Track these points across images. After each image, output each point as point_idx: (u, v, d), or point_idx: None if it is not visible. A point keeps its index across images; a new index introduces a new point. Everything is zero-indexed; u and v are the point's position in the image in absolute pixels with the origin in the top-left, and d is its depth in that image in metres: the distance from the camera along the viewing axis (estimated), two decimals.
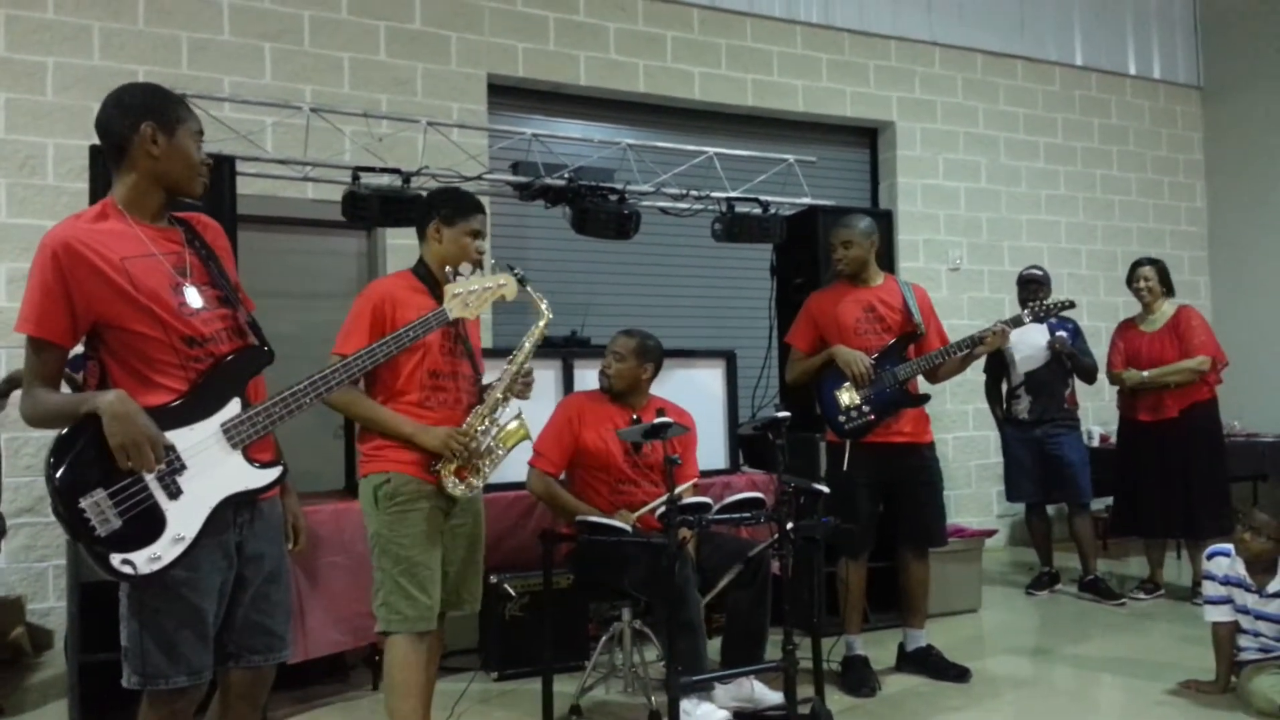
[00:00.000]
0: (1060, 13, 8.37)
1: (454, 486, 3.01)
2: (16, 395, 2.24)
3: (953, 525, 5.87)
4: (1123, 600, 5.59)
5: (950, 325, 7.13)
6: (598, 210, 5.01)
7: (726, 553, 3.84)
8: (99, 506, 2.04)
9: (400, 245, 5.39)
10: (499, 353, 3.81)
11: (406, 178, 4.57)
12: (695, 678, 3.38)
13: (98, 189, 3.76)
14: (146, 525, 2.08)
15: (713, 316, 6.94)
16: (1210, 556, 3.97)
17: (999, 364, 5.90)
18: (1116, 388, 5.78)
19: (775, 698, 3.72)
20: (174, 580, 2.13)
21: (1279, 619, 3.75)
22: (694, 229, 5.79)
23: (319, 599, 3.98)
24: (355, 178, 4.50)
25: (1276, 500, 4.21)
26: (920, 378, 4.22)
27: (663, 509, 3.29)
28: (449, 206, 3.20)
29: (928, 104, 7.76)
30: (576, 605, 4.30)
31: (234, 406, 2.23)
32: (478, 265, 3.16)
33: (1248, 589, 3.81)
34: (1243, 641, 3.87)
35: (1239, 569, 3.84)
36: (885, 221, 5.55)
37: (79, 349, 2.23)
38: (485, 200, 5.86)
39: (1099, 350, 5.99)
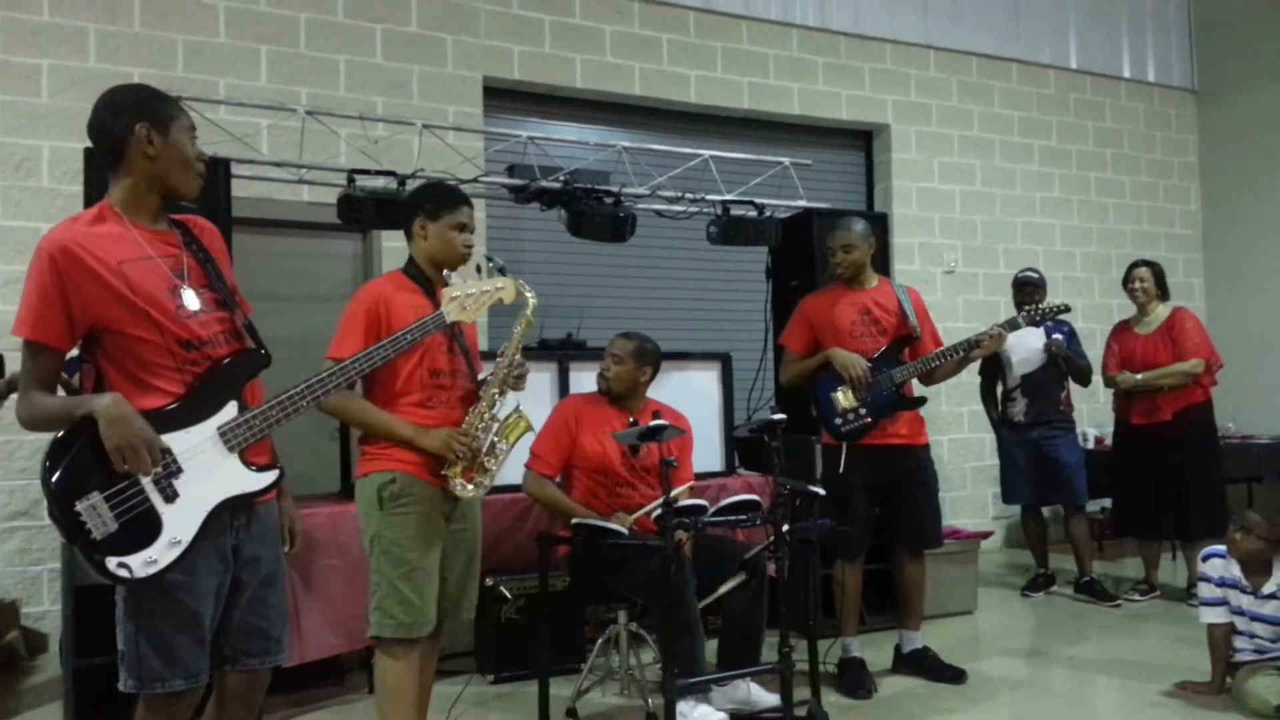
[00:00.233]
0: (1055, 16, 8.39)
1: (462, 489, 2.95)
2: (13, 399, 2.24)
3: (948, 527, 5.87)
4: (1118, 602, 5.60)
5: (945, 328, 7.15)
6: (593, 213, 5.02)
7: (723, 555, 3.84)
8: (95, 510, 2.04)
9: (396, 248, 5.38)
10: (496, 355, 3.79)
11: (402, 180, 4.57)
12: (691, 680, 3.38)
13: (93, 191, 3.76)
14: (142, 529, 2.08)
15: (708, 319, 6.94)
16: (1205, 558, 3.98)
17: (995, 366, 5.91)
18: (1112, 390, 5.80)
19: (771, 700, 3.72)
20: (170, 584, 2.12)
21: (1274, 620, 3.77)
22: (689, 231, 5.80)
23: (315, 602, 3.97)
24: (351, 180, 4.50)
25: (1271, 501, 4.23)
26: (915, 380, 4.22)
27: (659, 511, 3.28)
28: (432, 201, 3.13)
29: (923, 107, 7.78)
30: (573, 608, 4.30)
31: (231, 410, 2.23)
32: (466, 259, 3.10)
33: (1243, 590, 3.82)
34: (1238, 643, 3.87)
35: (1234, 570, 3.85)
36: (880, 224, 5.56)
37: (74, 352, 2.23)
38: (481, 203, 5.87)
39: (1093, 353, 6.01)
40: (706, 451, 4.94)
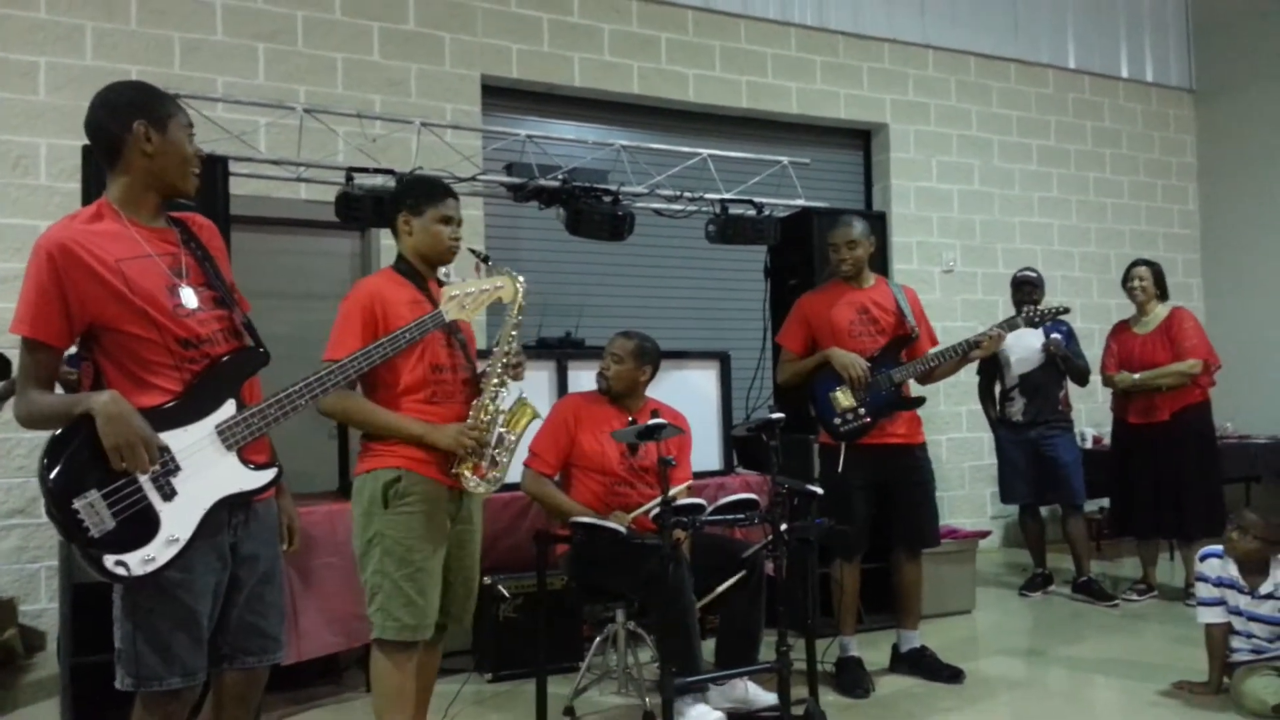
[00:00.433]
0: (1053, 15, 8.39)
1: (475, 485, 2.90)
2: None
3: (947, 526, 5.88)
4: (1116, 601, 5.60)
5: (944, 327, 7.19)
6: (592, 211, 5.01)
7: (721, 554, 3.84)
8: (93, 508, 2.03)
9: (394, 246, 5.35)
10: (492, 347, 3.79)
11: (400, 179, 4.56)
12: (689, 679, 3.38)
13: (91, 189, 3.75)
14: (140, 527, 2.07)
15: (707, 318, 6.94)
16: (1203, 558, 3.98)
17: (993, 366, 5.91)
18: (1110, 390, 5.80)
19: (769, 699, 3.72)
20: (168, 582, 2.12)
21: (1271, 620, 3.77)
22: (688, 230, 5.79)
23: (313, 600, 3.97)
24: (349, 178, 4.49)
25: (1269, 501, 4.23)
26: (911, 379, 4.23)
27: (657, 510, 3.28)
28: (414, 195, 3.08)
29: (921, 106, 7.78)
30: (571, 606, 4.29)
31: (229, 408, 2.22)
32: (454, 253, 3.08)
33: (1240, 590, 3.82)
34: (1235, 643, 3.87)
35: (1231, 570, 3.85)
36: (879, 224, 5.56)
37: (73, 349, 2.23)
38: (479, 201, 5.89)
39: (1092, 352, 6.01)
40: (705, 450, 4.95)
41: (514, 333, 3.01)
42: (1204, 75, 9.01)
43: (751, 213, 5.40)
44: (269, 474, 2.29)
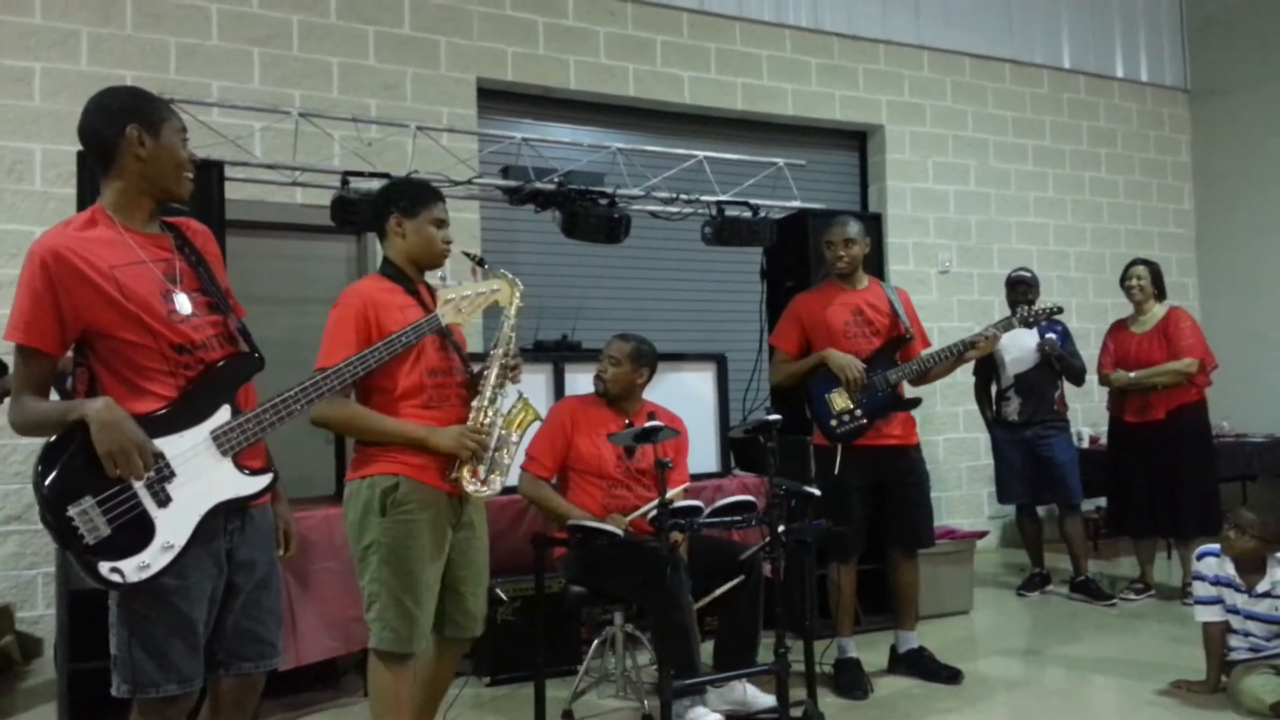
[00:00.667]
0: (1048, 16, 8.41)
1: (477, 489, 2.86)
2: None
3: (944, 527, 5.90)
4: (1113, 601, 5.60)
5: (940, 328, 7.24)
6: (588, 214, 5.01)
7: (719, 556, 3.84)
8: (87, 514, 2.03)
9: None
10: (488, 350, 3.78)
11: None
12: (688, 681, 3.37)
13: (86, 195, 3.74)
14: (135, 533, 2.07)
15: (703, 320, 6.94)
16: (1200, 557, 3.99)
17: (989, 366, 5.92)
18: (1107, 388, 5.81)
19: (768, 700, 3.73)
20: (163, 588, 2.11)
21: (1268, 619, 3.77)
22: (684, 232, 5.79)
23: (310, 605, 3.97)
24: (344, 182, 4.49)
25: (1265, 500, 4.23)
26: (905, 380, 4.23)
27: (655, 513, 3.28)
28: (406, 197, 3.01)
29: (916, 107, 7.78)
30: (569, 609, 4.29)
31: (224, 413, 2.22)
32: (446, 256, 3.04)
33: (1237, 589, 3.83)
34: (1233, 641, 3.88)
35: (1228, 569, 3.86)
36: (875, 225, 5.58)
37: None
38: (475, 205, 5.89)
39: (1088, 352, 6.01)
40: (702, 452, 4.95)
41: (511, 335, 3.00)
42: (1199, 75, 9.03)
43: (747, 214, 5.41)
44: (264, 479, 2.28)
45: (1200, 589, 3.95)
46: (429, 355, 2.91)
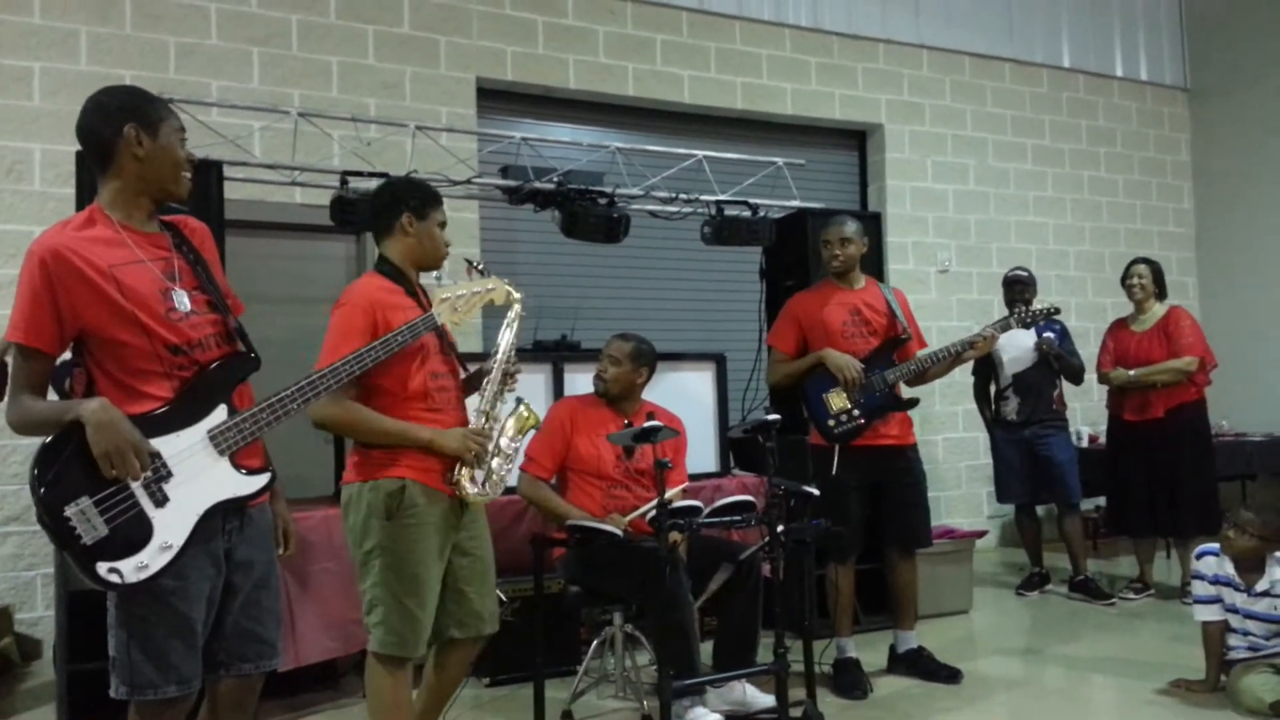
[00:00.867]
0: (1047, 15, 8.40)
1: (478, 492, 2.88)
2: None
3: (943, 526, 5.90)
4: (1113, 600, 5.60)
5: (940, 327, 7.24)
6: (587, 214, 5.01)
7: (718, 557, 3.84)
8: (85, 515, 2.02)
9: None
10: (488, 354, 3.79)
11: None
12: (687, 681, 3.37)
13: (85, 195, 3.74)
14: (133, 533, 2.06)
15: (702, 319, 6.94)
16: (1199, 556, 3.98)
17: (987, 366, 5.92)
18: (1106, 387, 5.81)
19: (767, 701, 3.72)
20: (162, 589, 2.11)
21: (1268, 618, 3.77)
22: (683, 232, 5.79)
23: (310, 605, 3.97)
24: (344, 182, 4.49)
25: (1265, 499, 4.23)
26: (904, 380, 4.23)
27: (654, 513, 3.28)
28: (417, 197, 2.98)
29: (916, 106, 7.78)
30: (568, 610, 4.29)
31: (220, 413, 2.21)
32: (445, 258, 3.04)
33: (1236, 588, 3.83)
34: (1232, 640, 3.88)
35: (1228, 568, 3.86)
36: (874, 224, 5.58)
37: (67, 354, 2.22)
38: (474, 204, 5.89)
39: (1087, 351, 6.01)
40: (701, 452, 4.95)
41: (514, 342, 3.01)
42: (1198, 73, 9.03)
43: (747, 214, 5.41)
44: (262, 479, 2.28)
45: (1199, 588, 3.95)
46: (432, 357, 2.91)
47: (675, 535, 3.55)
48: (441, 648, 2.99)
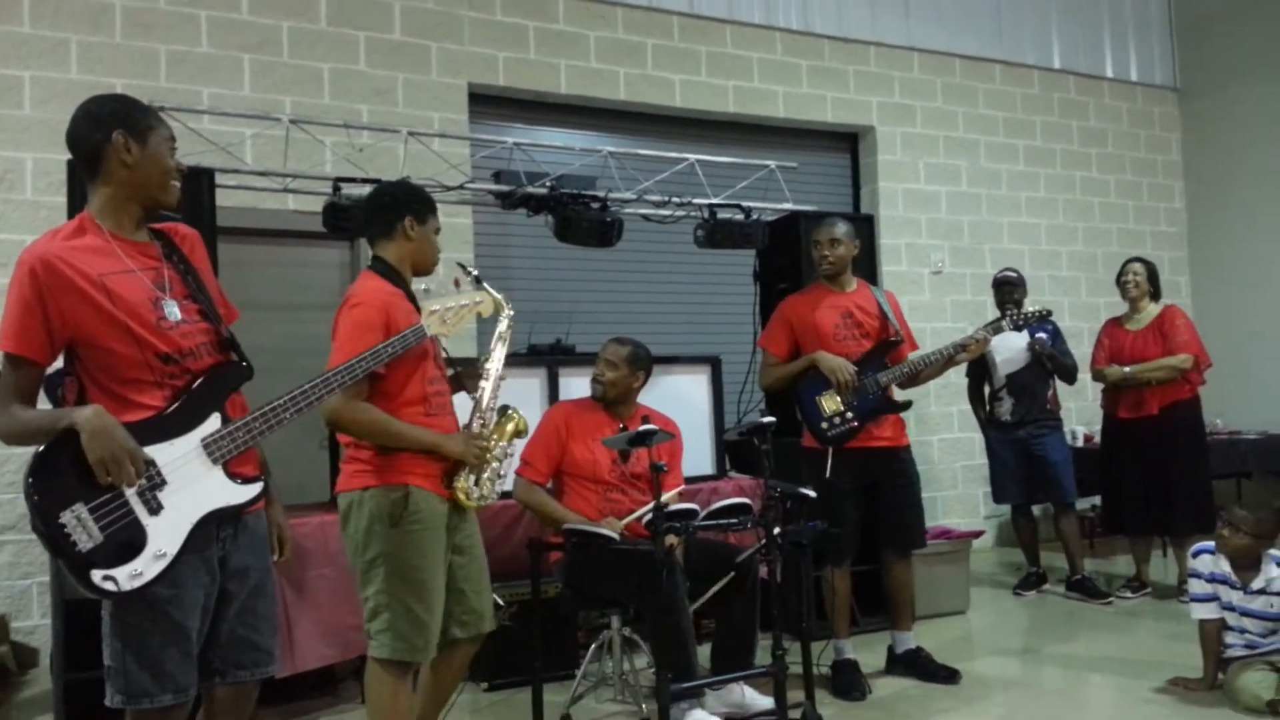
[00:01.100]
0: (1037, 16, 8.43)
1: (477, 498, 2.90)
2: None
3: (940, 527, 5.91)
4: (1110, 599, 5.61)
5: (933, 328, 7.25)
6: (580, 218, 5.01)
7: (715, 559, 3.84)
8: (80, 521, 2.02)
9: None
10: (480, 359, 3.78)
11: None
12: (685, 684, 3.37)
13: (76, 203, 3.74)
14: (128, 541, 2.06)
15: (697, 322, 6.94)
16: (1196, 554, 3.99)
17: (981, 367, 5.93)
18: (1100, 386, 5.83)
19: (765, 703, 3.72)
20: (156, 597, 2.11)
21: (1264, 615, 3.78)
22: (677, 235, 5.80)
23: (307, 612, 3.96)
24: (336, 189, 4.49)
25: (1260, 497, 4.24)
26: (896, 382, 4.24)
27: (650, 516, 3.28)
28: (419, 202, 3.01)
29: (907, 108, 7.80)
30: (565, 614, 4.28)
31: (214, 421, 2.21)
32: (437, 264, 3.06)
33: (1233, 586, 3.83)
34: (1229, 638, 3.88)
35: (1224, 566, 3.86)
36: (867, 226, 5.59)
37: (58, 364, 2.22)
38: (467, 209, 5.89)
39: (1080, 351, 6.02)
40: (697, 455, 4.94)
41: (505, 353, 3.03)
42: (1188, 73, 9.06)
43: (739, 217, 5.41)
44: (255, 488, 2.28)
45: (1196, 586, 3.95)
46: (429, 364, 2.93)
47: (672, 538, 3.54)
48: (443, 649, 2.98)
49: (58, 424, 2.06)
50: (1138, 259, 5.77)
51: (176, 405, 2.18)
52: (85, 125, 2.20)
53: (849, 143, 7.87)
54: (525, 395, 4.65)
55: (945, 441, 7.68)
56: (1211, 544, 3.94)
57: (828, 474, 4.07)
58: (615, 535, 3.64)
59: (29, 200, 5.18)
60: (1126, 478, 5.60)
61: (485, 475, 2.96)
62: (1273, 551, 3.82)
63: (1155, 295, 5.71)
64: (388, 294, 2.88)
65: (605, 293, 6.66)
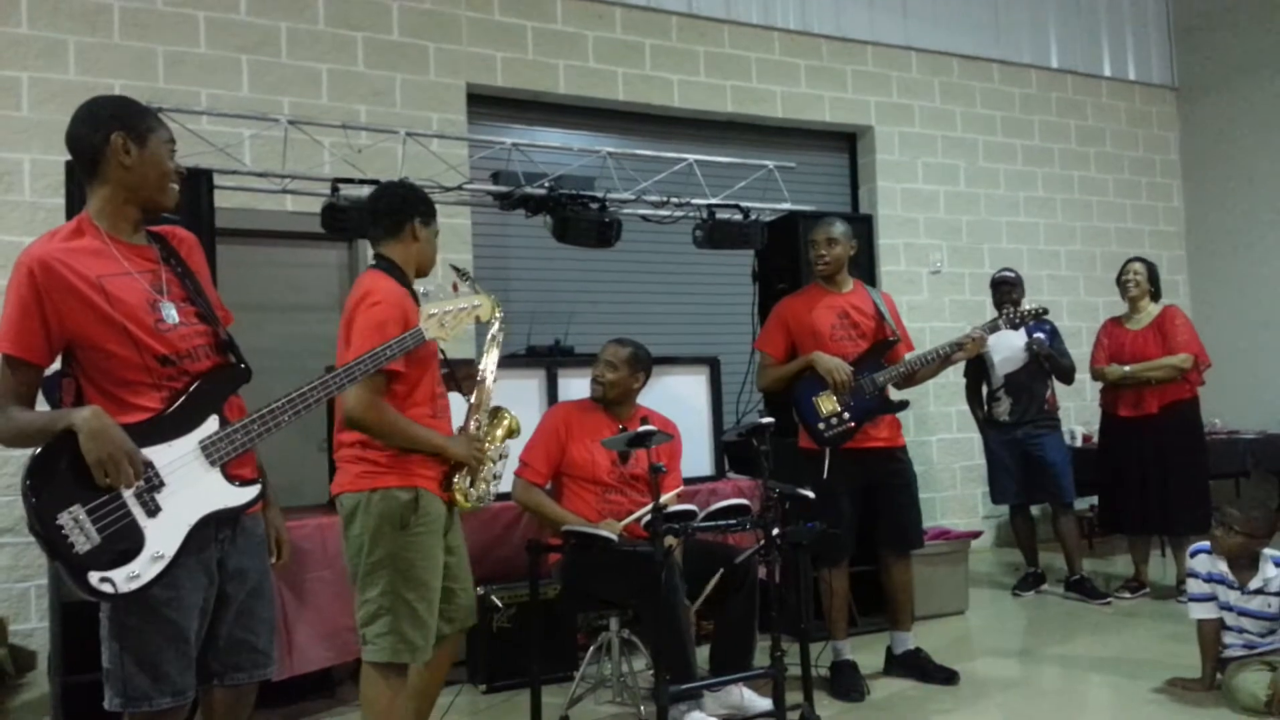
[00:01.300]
0: (1035, 16, 8.43)
1: (476, 501, 2.93)
2: None
3: (939, 527, 5.91)
4: (1108, 599, 5.61)
5: (932, 328, 7.25)
6: (579, 219, 5.01)
7: (713, 560, 3.83)
8: (77, 523, 2.02)
9: None
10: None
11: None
12: (684, 686, 3.37)
13: (74, 205, 3.73)
14: (125, 543, 2.06)
15: (695, 323, 6.94)
16: (1194, 554, 3.99)
17: (979, 367, 5.93)
18: (1099, 386, 5.83)
19: (764, 704, 3.71)
20: (154, 600, 2.10)
21: (1262, 615, 3.78)
22: (675, 236, 5.80)
23: (305, 614, 3.95)
24: (335, 189, 4.48)
25: (1258, 497, 4.25)
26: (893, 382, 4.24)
27: (649, 517, 3.28)
28: (425, 204, 3.05)
29: (905, 108, 7.80)
30: (564, 615, 4.28)
31: (212, 424, 2.21)
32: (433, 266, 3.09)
33: (1231, 586, 3.83)
34: (1227, 638, 3.88)
35: (1221, 566, 3.86)
36: (866, 226, 5.59)
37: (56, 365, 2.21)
38: (466, 210, 5.89)
39: (1079, 350, 6.02)
40: (695, 456, 4.94)
41: (497, 351, 3.05)
42: (1186, 72, 9.06)
43: (738, 217, 5.41)
44: (252, 491, 2.27)
45: (1194, 586, 3.95)
46: (435, 368, 2.95)
47: (670, 539, 3.54)
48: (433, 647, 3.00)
49: (56, 425, 2.05)
50: (1138, 258, 5.78)
51: (175, 407, 2.18)
52: (84, 126, 2.20)
53: (847, 142, 7.87)
54: (524, 396, 4.66)
55: (944, 442, 7.68)
56: (1208, 544, 3.95)
57: (825, 475, 4.07)
58: (614, 536, 3.64)
59: (27, 201, 5.17)
60: (1125, 475, 5.61)
61: (481, 476, 2.98)
62: (1270, 551, 3.82)
63: (1155, 295, 5.71)
64: (403, 294, 2.89)
65: (604, 293, 6.65)
